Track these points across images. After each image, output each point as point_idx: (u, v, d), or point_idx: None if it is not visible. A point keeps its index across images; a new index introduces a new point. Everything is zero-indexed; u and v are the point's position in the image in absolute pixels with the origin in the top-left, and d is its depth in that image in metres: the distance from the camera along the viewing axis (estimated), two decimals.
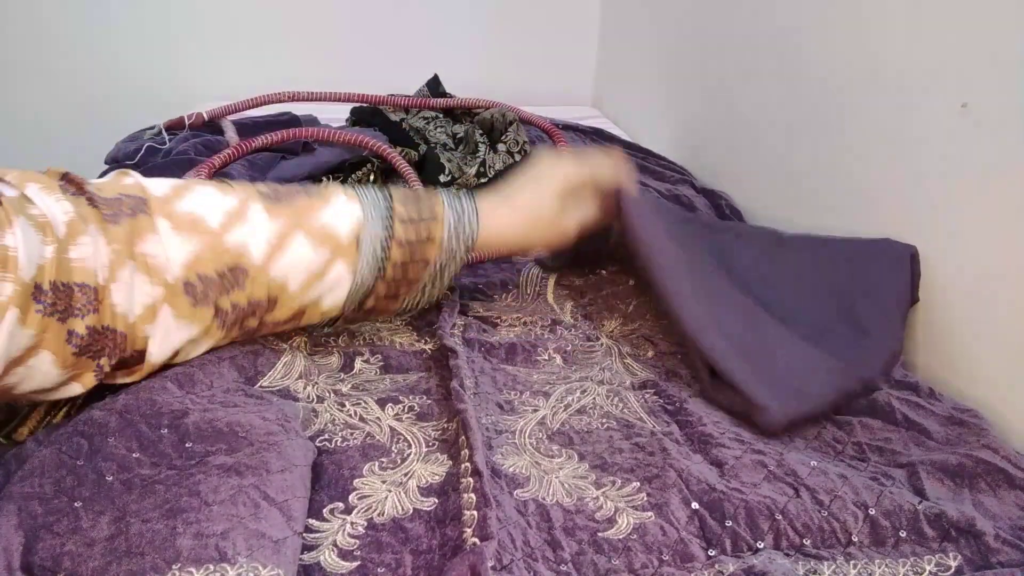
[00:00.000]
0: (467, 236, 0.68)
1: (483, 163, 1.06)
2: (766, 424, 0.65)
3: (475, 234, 0.69)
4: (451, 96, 1.35)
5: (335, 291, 0.65)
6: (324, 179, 1.03)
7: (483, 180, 1.04)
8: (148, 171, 1.04)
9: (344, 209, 0.64)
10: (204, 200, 0.60)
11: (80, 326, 0.54)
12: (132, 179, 0.61)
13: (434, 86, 1.40)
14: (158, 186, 0.60)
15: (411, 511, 0.55)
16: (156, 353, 0.60)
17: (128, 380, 0.62)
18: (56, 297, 0.52)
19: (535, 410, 0.68)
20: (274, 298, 0.62)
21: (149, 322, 0.58)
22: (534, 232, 0.75)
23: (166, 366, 0.65)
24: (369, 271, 0.64)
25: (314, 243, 0.61)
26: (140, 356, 0.60)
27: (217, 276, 0.59)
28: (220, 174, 0.99)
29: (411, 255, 0.65)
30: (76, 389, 0.58)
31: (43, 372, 0.54)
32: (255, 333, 0.67)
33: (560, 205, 0.75)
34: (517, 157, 1.09)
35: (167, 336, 0.59)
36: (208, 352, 0.67)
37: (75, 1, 1.64)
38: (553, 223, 0.76)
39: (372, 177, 1.07)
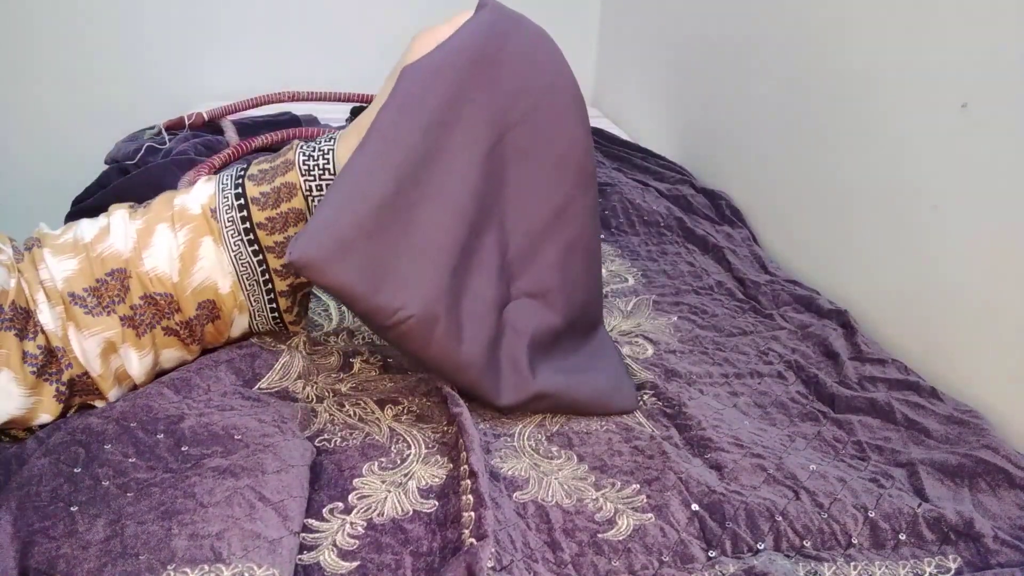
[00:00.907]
0: (324, 161, 0.65)
1: None
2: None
3: (333, 155, 0.65)
4: None
5: (222, 270, 0.64)
6: None
7: None
8: (148, 171, 1.04)
9: (200, 189, 0.65)
10: (83, 226, 0.64)
11: (32, 347, 0.58)
12: (47, 229, 0.65)
13: None
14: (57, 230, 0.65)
15: (411, 512, 0.55)
16: (92, 369, 0.61)
17: (102, 403, 0.63)
18: (14, 315, 0.57)
19: (534, 412, 0.68)
20: (168, 293, 0.63)
21: (73, 339, 0.60)
22: None
23: (162, 373, 0.66)
24: (235, 237, 0.64)
25: (173, 227, 0.63)
26: (97, 385, 0.62)
27: (97, 283, 0.61)
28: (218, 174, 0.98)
29: (275, 202, 0.64)
30: (44, 418, 0.60)
31: (7, 392, 0.57)
32: (202, 342, 0.67)
33: None
34: None
35: (83, 348, 0.60)
36: (206, 357, 0.67)
37: (74, 2, 1.64)
38: None
39: None
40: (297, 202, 0.64)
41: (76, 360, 0.60)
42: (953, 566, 0.54)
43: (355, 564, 0.51)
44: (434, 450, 0.61)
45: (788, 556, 0.54)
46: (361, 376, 0.70)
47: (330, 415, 0.65)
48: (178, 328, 0.64)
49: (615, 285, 0.91)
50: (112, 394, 0.63)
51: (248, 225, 0.63)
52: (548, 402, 0.66)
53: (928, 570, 0.53)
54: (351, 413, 0.65)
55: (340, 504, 0.55)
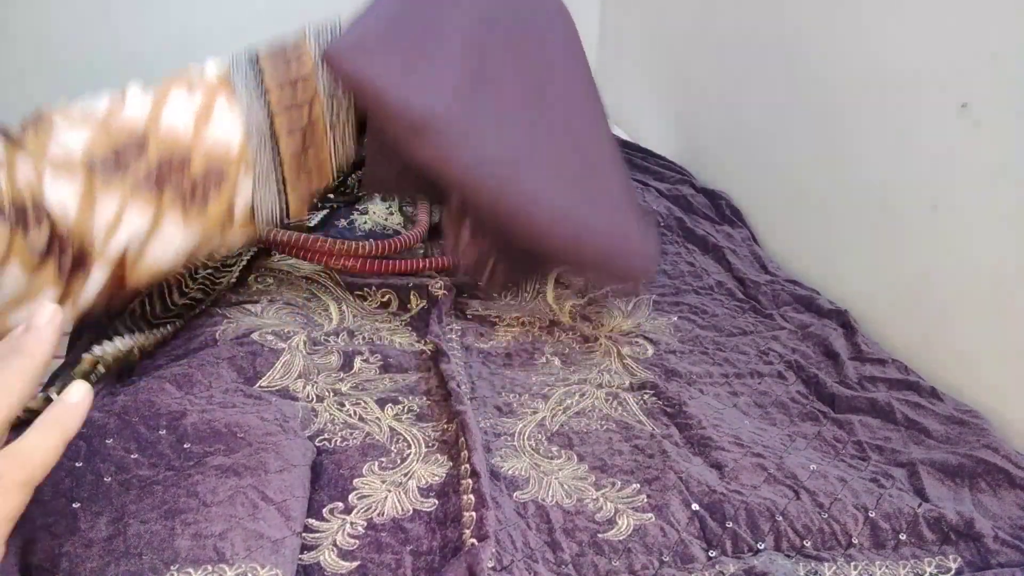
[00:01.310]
0: (335, 30, 0.68)
1: None
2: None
3: (339, 24, 0.68)
4: None
5: (233, 128, 0.64)
6: None
7: None
8: None
9: (211, 61, 0.67)
10: (92, 100, 0.64)
11: (38, 236, 0.58)
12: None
13: None
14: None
15: (411, 512, 0.55)
16: (100, 236, 0.61)
17: (87, 284, 0.62)
18: (15, 212, 0.57)
19: (534, 412, 0.68)
20: (182, 152, 0.63)
21: (88, 212, 0.60)
22: None
23: (163, 367, 0.66)
24: (248, 93, 0.65)
25: (188, 92, 0.64)
26: (88, 253, 0.62)
27: (115, 153, 0.61)
28: None
29: (285, 63, 0.66)
30: (48, 295, 0.59)
31: (13, 279, 0.57)
32: (204, 214, 0.65)
33: None
34: None
35: (102, 216, 0.60)
36: (207, 353, 0.67)
37: (73, 1, 1.64)
38: None
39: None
40: (307, 65, 0.65)
41: (76, 238, 0.60)
42: (953, 566, 0.54)
43: (355, 564, 0.51)
44: (434, 448, 0.61)
45: (788, 556, 0.54)
46: (361, 376, 0.70)
47: (330, 415, 0.65)
48: (186, 189, 0.64)
49: (615, 285, 0.91)
50: (97, 272, 0.62)
51: (260, 82, 0.65)
52: (562, 228, 0.65)
53: (928, 570, 0.54)
54: (351, 413, 0.65)
55: (340, 504, 0.55)
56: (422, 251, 0.94)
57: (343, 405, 0.66)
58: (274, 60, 0.66)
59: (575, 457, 0.62)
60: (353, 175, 1.06)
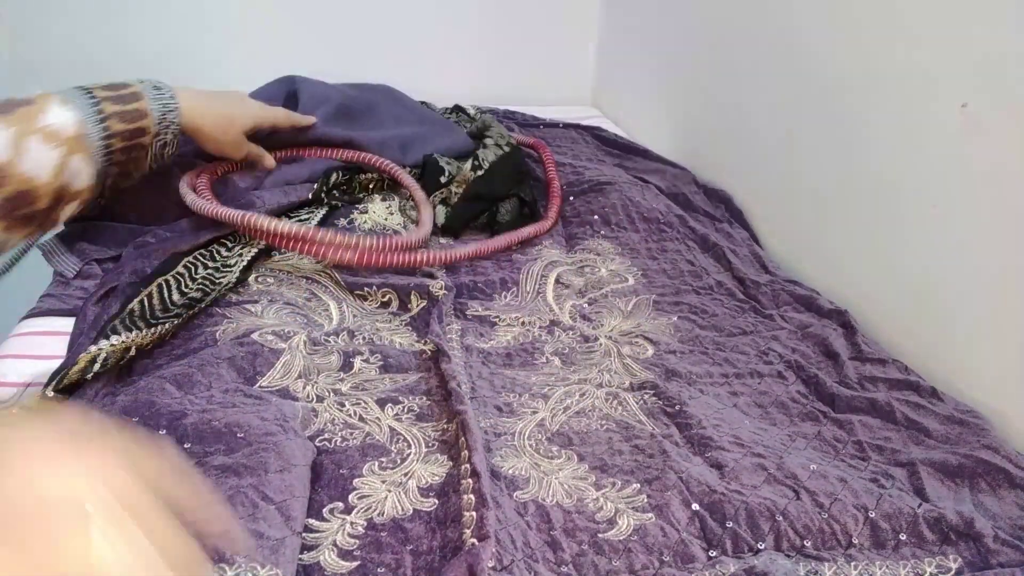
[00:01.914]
0: (168, 104, 0.83)
1: (475, 157, 1.08)
2: None
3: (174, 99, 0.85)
4: (472, 115, 1.34)
5: (84, 177, 0.71)
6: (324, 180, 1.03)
7: (478, 172, 1.06)
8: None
9: (64, 109, 0.73)
10: None
11: None
12: None
13: (457, 111, 1.39)
14: None
15: (411, 511, 0.55)
16: None
17: None
18: None
19: (534, 412, 0.68)
20: (32, 196, 0.67)
21: None
22: (225, 125, 0.94)
23: (163, 367, 0.66)
24: (98, 145, 0.73)
25: (47, 146, 0.68)
26: None
27: None
28: (220, 182, 0.98)
29: (128, 126, 0.76)
30: None
31: None
32: (44, 224, 0.72)
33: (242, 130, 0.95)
34: (505, 148, 1.12)
35: None
36: (207, 353, 0.67)
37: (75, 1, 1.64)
38: (237, 134, 0.95)
39: (373, 184, 1.08)
40: (143, 114, 0.79)
41: None
42: (954, 566, 0.54)
43: (355, 564, 0.51)
44: (434, 448, 0.61)
45: (789, 556, 0.54)
46: (361, 376, 0.70)
47: (330, 415, 0.65)
48: (29, 216, 0.68)
49: (615, 285, 0.91)
50: None
51: (111, 146, 0.74)
52: None
53: (928, 570, 0.54)
54: (351, 413, 0.65)
55: (340, 504, 0.55)
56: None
57: (343, 405, 0.66)
58: (119, 113, 0.75)
59: (575, 457, 0.62)
60: (355, 175, 1.06)
